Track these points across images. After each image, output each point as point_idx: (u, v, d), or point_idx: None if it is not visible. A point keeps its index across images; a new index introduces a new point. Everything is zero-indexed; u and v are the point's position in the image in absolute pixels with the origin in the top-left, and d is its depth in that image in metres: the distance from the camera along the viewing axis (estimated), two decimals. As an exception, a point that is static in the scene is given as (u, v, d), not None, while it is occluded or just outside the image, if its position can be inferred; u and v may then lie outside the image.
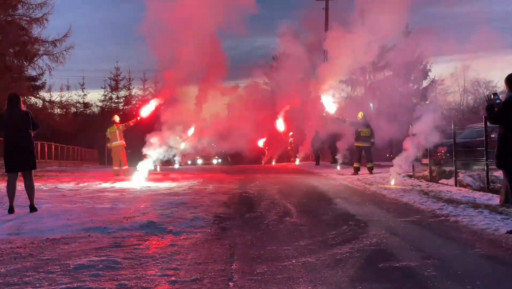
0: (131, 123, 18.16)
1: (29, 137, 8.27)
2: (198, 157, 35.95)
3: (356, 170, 17.29)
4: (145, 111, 17.81)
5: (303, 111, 27.02)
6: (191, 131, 24.30)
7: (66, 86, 55.40)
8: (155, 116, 17.83)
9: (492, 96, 6.77)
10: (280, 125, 28.78)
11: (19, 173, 8.38)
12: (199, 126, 24.07)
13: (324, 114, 19.13)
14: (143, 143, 16.67)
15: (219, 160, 37.59)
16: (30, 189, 8.27)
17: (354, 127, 17.85)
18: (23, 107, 8.40)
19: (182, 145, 26.48)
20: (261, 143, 31.02)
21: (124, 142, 18.00)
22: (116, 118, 18.51)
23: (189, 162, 33.62)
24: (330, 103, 18.54)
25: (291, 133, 30.10)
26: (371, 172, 16.99)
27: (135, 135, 21.53)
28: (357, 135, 17.58)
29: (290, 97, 27.05)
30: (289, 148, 30.85)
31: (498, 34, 13.06)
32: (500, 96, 6.93)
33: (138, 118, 18.21)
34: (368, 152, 17.52)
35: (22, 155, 8.17)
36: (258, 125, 27.69)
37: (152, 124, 18.74)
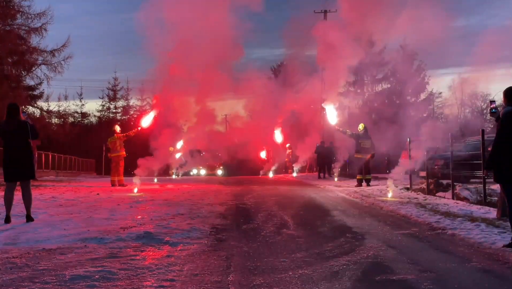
0: (131, 133, 18.13)
1: (28, 147, 8.26)
2: (201, 167, 35.54)
3: (360, 182, 17.21)
4: (146, 121, 17.81)
5: (303, 120, 27.07)
6: (179, 144, 24.29)
7: (64, 95, 55.98)
8: (156, 126, 17.87)
9: (489, 104, 6.80)
10: (278, 136, 28.74)
11: (17, 183, 8.37)
12: (198, 136, 24.03)
13: (331, 125, 19.15)
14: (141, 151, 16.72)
15: (223, 172, 37.09)
16: (27, 199, 8.25)
17: (354, 139, 17.76)
18: (23, 117, 8.41)
19: (177, 155, 26.47)
20: (263, 154, 30.95)
21: (124, 153, 17.89)
22: (117, 128, 18.41)
23: (192, 172, 33.33)
24: (332, 114, 18.55)
25: (288, 145, 30.07)
26: (368, 184, 16.97)
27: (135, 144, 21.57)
28: (358, 146, 17.51)
29: (290, 108, 27.09)
30: (286, 159, 30.81)
31: (495, 47, 13.13)
32: (499, 109, 6.94)
33: (139, 128, 18.22)
34: (367, 164, 17.45)
35: (20, 165, 8.17)
36: (258, 136, 27.69)
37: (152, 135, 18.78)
